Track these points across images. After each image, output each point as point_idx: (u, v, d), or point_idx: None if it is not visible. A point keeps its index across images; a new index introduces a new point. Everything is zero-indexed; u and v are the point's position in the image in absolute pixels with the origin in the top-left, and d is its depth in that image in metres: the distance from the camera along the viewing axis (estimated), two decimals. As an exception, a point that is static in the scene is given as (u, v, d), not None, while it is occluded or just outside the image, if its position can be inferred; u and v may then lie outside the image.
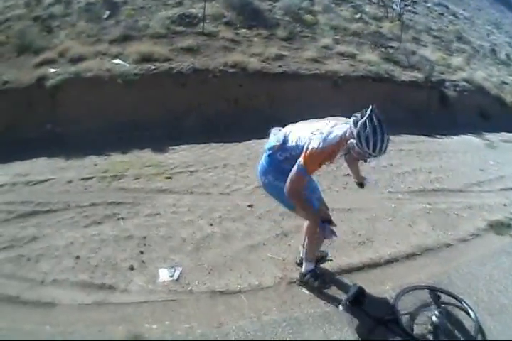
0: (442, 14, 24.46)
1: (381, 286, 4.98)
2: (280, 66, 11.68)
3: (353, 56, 13.60)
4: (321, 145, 3.61)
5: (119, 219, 6.17)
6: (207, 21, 12.85)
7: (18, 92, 9.51)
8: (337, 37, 14.66)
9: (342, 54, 13.53)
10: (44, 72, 10.03)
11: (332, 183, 7.70)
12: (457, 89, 14.72)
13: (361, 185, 4.92)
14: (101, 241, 5.63)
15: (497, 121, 15.32)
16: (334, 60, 12.96)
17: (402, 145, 10.62)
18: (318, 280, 4.63)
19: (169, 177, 7.49)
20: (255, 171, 4.57)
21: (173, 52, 11.22)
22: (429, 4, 24.62)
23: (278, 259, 5.25)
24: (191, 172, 7.78)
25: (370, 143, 3.42)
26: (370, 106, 3.48)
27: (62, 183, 7.28)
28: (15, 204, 6.58)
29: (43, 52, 10.90)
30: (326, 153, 3.64)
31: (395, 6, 18.68)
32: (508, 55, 23.66)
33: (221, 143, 9.38)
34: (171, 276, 5.01)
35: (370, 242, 5.88)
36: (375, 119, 3.43)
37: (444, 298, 4.74)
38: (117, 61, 10.48)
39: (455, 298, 4.75)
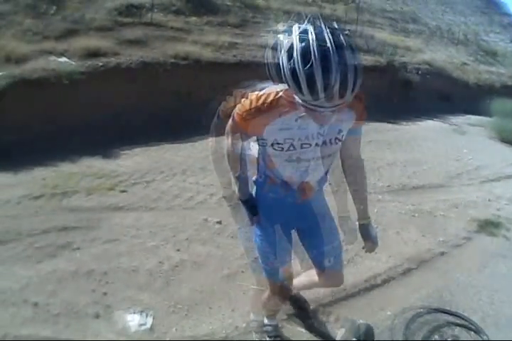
0: (395, -6, 23.73)
1: (381, 312, 4.44)
2: (235, 55, 11.01)
3: None
4: (261, 91, 2.29)
5: (74, 249, 5.29)
6: (155, 11, 11.94)
7: None
8: (291, 22, 13.60)
9: None
10: (-15, 78, 8.94)
11: None
12: (419, 72, 14.23)
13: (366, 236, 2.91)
14: (58, 282, 4.72)
15: (461, 104, 15.14)
16: None
17: (370, 136, 10.10)
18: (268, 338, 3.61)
19: (124, 191, 6.68)
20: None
21: (121, 45, 10.32)
22: (381, -15, 23.47)
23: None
24: (148, 182, 6.98)
25: (300, 79, 1.72)
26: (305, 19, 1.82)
27: (12, 204, 6.36)
28: None
29: (-13, 54, 9.75)
30: (263, 99, 2.21)
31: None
32: (465, 35, 23.15)
33: (176, 144, 8.67)
34: (143, 324, 4.11)
35: (361, 258, 5.21)
36: (310, 37, 1.72)
37: (450, 319, 4.36)
38: (63, 59, 9.49)
39: (462, 317, 4.36)
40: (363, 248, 3.02)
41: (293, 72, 1.74)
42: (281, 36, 1.86)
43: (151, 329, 4.13)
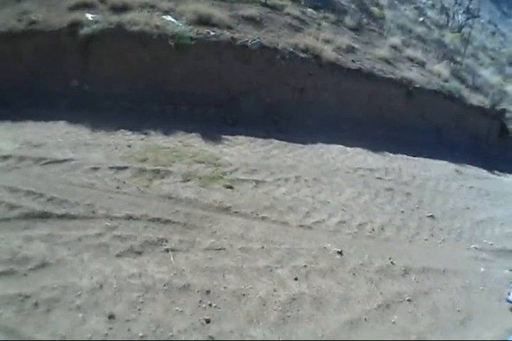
0: (494, 33, 22.33)
1: None
2: (353, 61, 9.69)
3: (422, 64, 11.73)
4: None
5: (167, 250, 4.13)
6: (270, -8, 10.57)
7: (46, 36, 7.35)
8: (404, 38, 12.67)
9: (411, 59, 11.64)
10: (79, 17, 7.69)
11: (419, 226, 6.26)
12: (516, 122, 12.90)
13: None
14: (145, 290, 3.59)
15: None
16: (405, 65, 11.05)
17: (471, 182, 9.43)
18: None
19: (230, 187, 5.49)
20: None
21: (234, 19, 8.99)
22: (482, 20, 22.18)
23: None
24: (257, 182, 5.84)
25: None
26: None
27: (85, 169, 5.18)
28: (19, 193, 4.47)
29: (81, -7, 8.40)
30: None
31: (456, 17, 16.32)
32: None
33: (285, 142, 7.49)
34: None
35: (470, 321, 4.72)
36: None
37: None
38: (169, 18, 8.18)
39: None
40: None
41: None
42: None
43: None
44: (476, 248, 6.52)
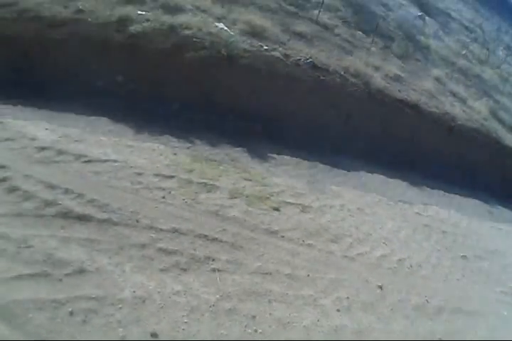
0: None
1: None
2: (400, 91, 9.51)
3: (463, 100, 11.51)
4: None
5: (214, 270, 4.01)
6: (321, 10, 10.34)
7: (91, 27, 7.08)
8: (447, 70, 12.52)
9: (454, 94, 11.45)
10: (129, 12, 7.51)
11: (452, 265, 6.22)
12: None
13: None
14: (190, 310, 3.48)
15: None
16: (448, 100, 10.88)
17: (501, 224, 9.25)
18: None
19: (277, 209, 5.38)
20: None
21: (285, 34, 8.81)
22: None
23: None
24: (303, 207, 5.73)
25: None
26: None
27: (128, 174, 5.00)
28: (57, 190, 4.33)
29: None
30: None
31: (496, 52, 16.17)
32: None
33: (329, 167, 7.38)
34: None
35: None
36: None
37: None
38: (221, 26, 7.98)
39: None
40: None
41: None
42: None
43: None
44: (502, 291, 6.54)
